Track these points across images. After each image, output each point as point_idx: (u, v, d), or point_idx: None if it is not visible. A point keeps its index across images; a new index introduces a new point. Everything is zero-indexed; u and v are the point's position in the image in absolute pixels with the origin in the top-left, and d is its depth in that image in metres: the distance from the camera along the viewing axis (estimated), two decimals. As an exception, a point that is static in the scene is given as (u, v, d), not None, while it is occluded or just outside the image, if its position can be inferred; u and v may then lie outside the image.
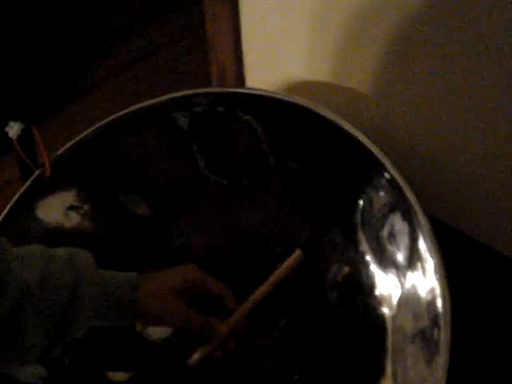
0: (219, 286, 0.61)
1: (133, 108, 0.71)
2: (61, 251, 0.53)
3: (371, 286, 0.68)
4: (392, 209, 0.63)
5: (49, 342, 0.50)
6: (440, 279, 0.55)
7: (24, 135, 0.67)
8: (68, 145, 0.70)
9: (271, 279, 0.64)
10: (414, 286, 0.61)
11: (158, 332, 0.74)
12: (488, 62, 0.57)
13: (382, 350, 0.64)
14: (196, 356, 0.61)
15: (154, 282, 0.57)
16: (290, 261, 0.65)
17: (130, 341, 0.73)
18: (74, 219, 0.73)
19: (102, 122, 0.71)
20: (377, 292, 0.68)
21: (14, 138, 0.67)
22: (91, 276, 0.53)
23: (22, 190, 0.68)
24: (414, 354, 0.60)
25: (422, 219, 0.58)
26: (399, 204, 0.61)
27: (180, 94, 0.70)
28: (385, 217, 0.64)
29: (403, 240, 0.62)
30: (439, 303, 0.55)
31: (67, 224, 0.72)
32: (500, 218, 0.68)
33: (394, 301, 0.65)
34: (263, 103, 0.68)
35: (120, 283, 0.55)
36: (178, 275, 0.59)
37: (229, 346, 0.62)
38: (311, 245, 0.67)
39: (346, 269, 0.64)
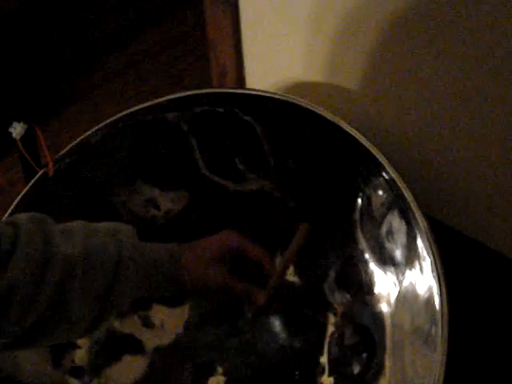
0: (259, 251, 0.61)
1: (134, 109, 0.71)
2: (103, 225, 0.54)
3: (370, 284, 0.68)
4: (390, 207, 0.63)
5: (95, 315, 0.51)
6: (437, 277, 0.55)
7: (27, 135, 0.67)
8: (71, 145, 0.71)
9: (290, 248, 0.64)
10: (412, 284, 0.62)
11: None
12: (485, 61, 0.57)
13: (381, 347, 0.65)
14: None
15: (194, 250, 0.57)
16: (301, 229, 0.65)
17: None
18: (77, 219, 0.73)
19: (104, 123, 0.71)
20: (375, 290, 0.68)
21: (18, 138, 0.67)
22: (133, 248, 0.53)
23: (25, 190, 0.69)
24: (412, 351, 0.60)
25: (419, 218, 0.58)
26: (397, 203, 0.62)
27: (180, 94, 0.70)
28: (383, 215, 0.65)
29: (401, 238, 0.63)
30: (437, 301, 0.55)
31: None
32: (498, 217, 0.68)
33: (393, 298, 0.66)
34: (263, 104, 0.68)
35: (161, 254, 0.55)
36: (217, 242, 0.59)
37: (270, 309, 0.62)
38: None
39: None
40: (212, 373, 0.74)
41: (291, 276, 0.74)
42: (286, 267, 0.65)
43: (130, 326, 0.75)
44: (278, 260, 0.65)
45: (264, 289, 0.60)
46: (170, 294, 0.57)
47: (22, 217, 0.50)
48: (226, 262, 0.58)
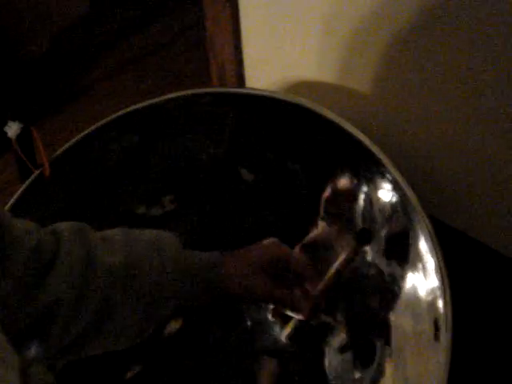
0: (302, 262, 0.61)
1: (132, 108, 0.70)
2: (144, 234, 0.53)
3: (371, 287, 0.68)
4: (393, 209, 0.63)
5: (140, 323, 0.51)
6: (441, 279, 0.55)
7: (23, 135, 0.67)
8: (67, 145, 0.70)
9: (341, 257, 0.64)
10: (414, 287, 0.61)
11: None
12: (487, 64, 0.57)
13: (383, 351, 0.64)
14: (287, 330, 0.63)
15: (236, 259, 0.57)
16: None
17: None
18: (74, 220, 0.72)
19: (101, 122, 0.70)
20: (377, 292, 0.67)
21: (13, 137, 0.66)
22: (176, 257, 0.52)
23: (21, 190, 0.68)
24: (414, 354, 0.60)
25: (422, 219, 0.57)
26: (400, 204, 0.61)
27: (180, 93, 0.70)
28: (385, 217, 0.64)
29: (404, 240, 0.62)
30: (440, 304, 0.54)
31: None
32: (502, 218, 0.67)
33: (395, 301, 0.65)
34: (263, 103, 0.68)
35: (204, 262, 0.55)
36: (260, 251, 0.58)
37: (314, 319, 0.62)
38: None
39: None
40: (210, 375, 0.73)
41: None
42: (332, 282, 0.64)
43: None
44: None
45: (307, 301, 0.60)
46: (213, 303, 0.57)
47: (63, 226, 0.50)
48: (269, 270, 0.57)
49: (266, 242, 0.60)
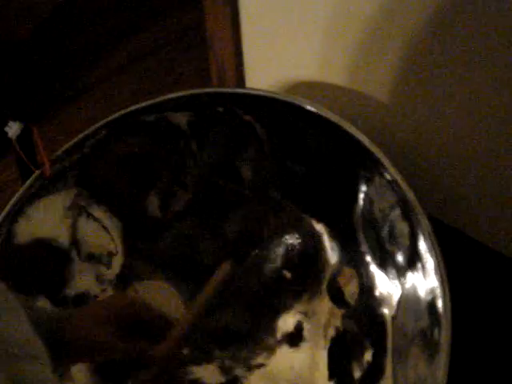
0: (149, 311, 0.62)
1: (133, 108, 0.70)
2: None
3: (371, 287, 0.68)
4: (392, 209, 0.63)
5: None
6: (441, 279, 0.55)
7: (23, 135, 0.67)
8: (67, 145, 0.70)
9: (201, 295, 0.65)
10: (414, 287, 0.61)
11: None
12: (491, 69, 0.57)
13: (382, 350, 0.64)
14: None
15: (84, 313, 0.59)
16: (218, 274, 0.66)
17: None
18: (73, 220, 0.73)
19: (102, 122, 0.70)
20: (377, 292, 0.67)
21: (14, 137, 0.66)
22: (21, 315, 0.54)
23: (21, 190, 0.68)
24: (414, 354, 0.60)
25: (422, 220, 0.57)
26: (400, 204, 0.61)
27: (179, 94, 0.70)
28: (385, 217, 0.64)
29: (403, 240, 0.62)
30: (439, 303, 0.54)
31: (66, 225, 0.72)
32: (500, 217, 0.67)
33: (394, 301, 0.65)
34: (263, 103, 0.68)
35: (50, 316, 0.56)
36: (104, 305, 0.60)
37: (171, 365, 0.63)
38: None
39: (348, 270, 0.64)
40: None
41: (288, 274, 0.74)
42: (197, 314, 0.65)
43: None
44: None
45: (164, 342, 0.61)
46: (63, 364, 0.57)
47: None
48: (117, 324, 0.58)
49: (110, 296, 0.62)
